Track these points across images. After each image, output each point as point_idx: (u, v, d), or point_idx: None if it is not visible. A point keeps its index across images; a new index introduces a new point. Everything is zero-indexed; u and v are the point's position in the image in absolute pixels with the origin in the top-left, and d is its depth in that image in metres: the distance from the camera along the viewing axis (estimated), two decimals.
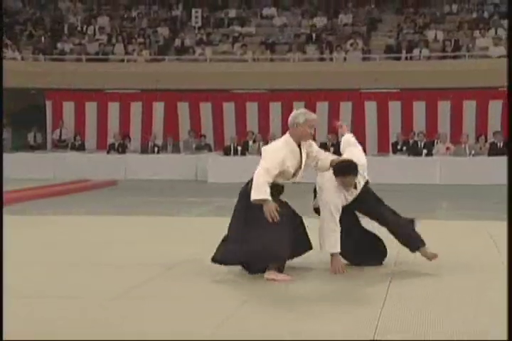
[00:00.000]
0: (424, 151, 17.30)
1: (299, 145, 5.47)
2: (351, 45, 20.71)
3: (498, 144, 17.16)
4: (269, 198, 5.20)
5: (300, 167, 5.47)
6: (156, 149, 18.33)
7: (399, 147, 17.96)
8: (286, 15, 22.66)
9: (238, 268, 5.65)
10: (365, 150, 20.66)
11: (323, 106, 19.53)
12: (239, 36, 21.64)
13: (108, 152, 18.72)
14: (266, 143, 17.26)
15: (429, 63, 20.03)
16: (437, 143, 17.57)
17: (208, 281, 5.34)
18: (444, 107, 19.32)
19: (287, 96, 19.46)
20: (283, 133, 5.70)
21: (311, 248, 5.77)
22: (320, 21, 22.05)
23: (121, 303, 4.67)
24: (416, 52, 20.43)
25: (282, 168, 5.32)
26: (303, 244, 5.69)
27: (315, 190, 5.82)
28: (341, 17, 22.28)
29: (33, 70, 20.02)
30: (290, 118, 5.51)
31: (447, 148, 17.30)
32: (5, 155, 18.28)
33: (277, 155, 5.32)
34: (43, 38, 22.00)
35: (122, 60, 21.00)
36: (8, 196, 12.21)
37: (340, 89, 19.32)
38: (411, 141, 17.92)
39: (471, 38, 20.81)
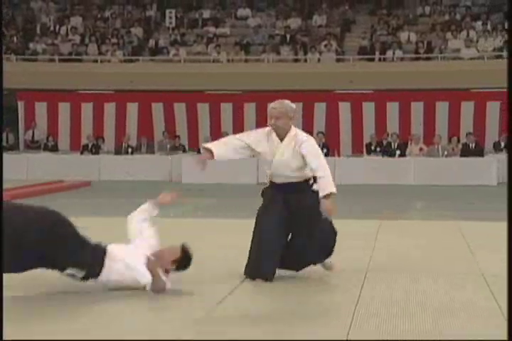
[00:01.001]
0: (398, 152, 17.43)
1: (282, 137, 5.38)
2: (325, 46, 20.80)
3: (470, 145, 17.34)
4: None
5: (274, 158, 5.32)
6: (129, 150, 18.25)
7: (373, 148, 18.06)
8: (260, 16, 22.68)
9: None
10: (338, 152, 20.48)
11: (297, 107, 19.50)
12: (213, 37, 21.58)
13: (81, 153, 18.60)
14: None
15: (403, 64, 20.18)
16: (411, 144, 17.70)
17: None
18: (417, 108, 19.47)
19: (261, 97, 19.41)
20: None
21: None
22: (294, 22, 22.08)
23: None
24: (389, 53, 20.59)
25: (252, 145, 5.35)
26: None
27: None
28: (315, 18, 22.35)
29: (5, 70, 19.77)
30: None
31: (420, 149, 17.44)
32: None
33: (251, 132, 5.53)
34: (15, 38, 21.78)
35: (96, 61, 20.89)
36: None
37: (314, 90, 19.36)
38: (385, 142, 18.03)
39: (444, 39, 21.00)
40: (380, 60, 20.64)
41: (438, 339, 3.86)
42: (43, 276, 5.03)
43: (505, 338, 3.70)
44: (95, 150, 18.56)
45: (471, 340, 3.78)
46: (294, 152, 5.30)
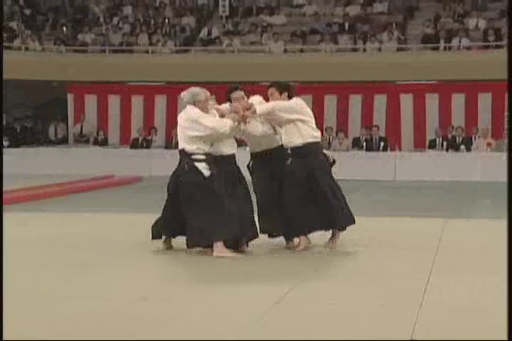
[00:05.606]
0: (463, 147, 17.24)
1: None
2: (387, 34, 20.56)
3: None
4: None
5: None
6: None
7: (437, 142, 17.84)
8: (317, 4, 22.33)
9: None
10: (400, 146, 20.09)
11: (356, 99, 19.46)
12: (268, 26, 21.55)
13: (131, 147, 18.74)
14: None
15: (470, 53, 19.86)
16: (475, 138, 17.48)
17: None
18: (485, 100, 19.12)
19: (318, 88, 19.37)
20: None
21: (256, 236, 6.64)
22: (353, 10, 21.68)
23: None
24: (455, 41, 20.26)
25: None
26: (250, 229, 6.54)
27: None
28: (376, 5, 21.98)
29: (55, 62, 20.12)
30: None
31: (488, 144, 17.19)
32: (27, 150, 18.56)
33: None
34: (64, 28, 22.12)
35: (147, 52, 20.99)
36: (28, 193, 12.39)
37: (374, 81, 19.12)
38: (449, 136, 17.83)
39: None
40: (445, 48, 20.34)
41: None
42: None
43: (505, 338, 3.74)
44: (146, 144, 18.74)
45: (471, 340, 3.82)
46: None
